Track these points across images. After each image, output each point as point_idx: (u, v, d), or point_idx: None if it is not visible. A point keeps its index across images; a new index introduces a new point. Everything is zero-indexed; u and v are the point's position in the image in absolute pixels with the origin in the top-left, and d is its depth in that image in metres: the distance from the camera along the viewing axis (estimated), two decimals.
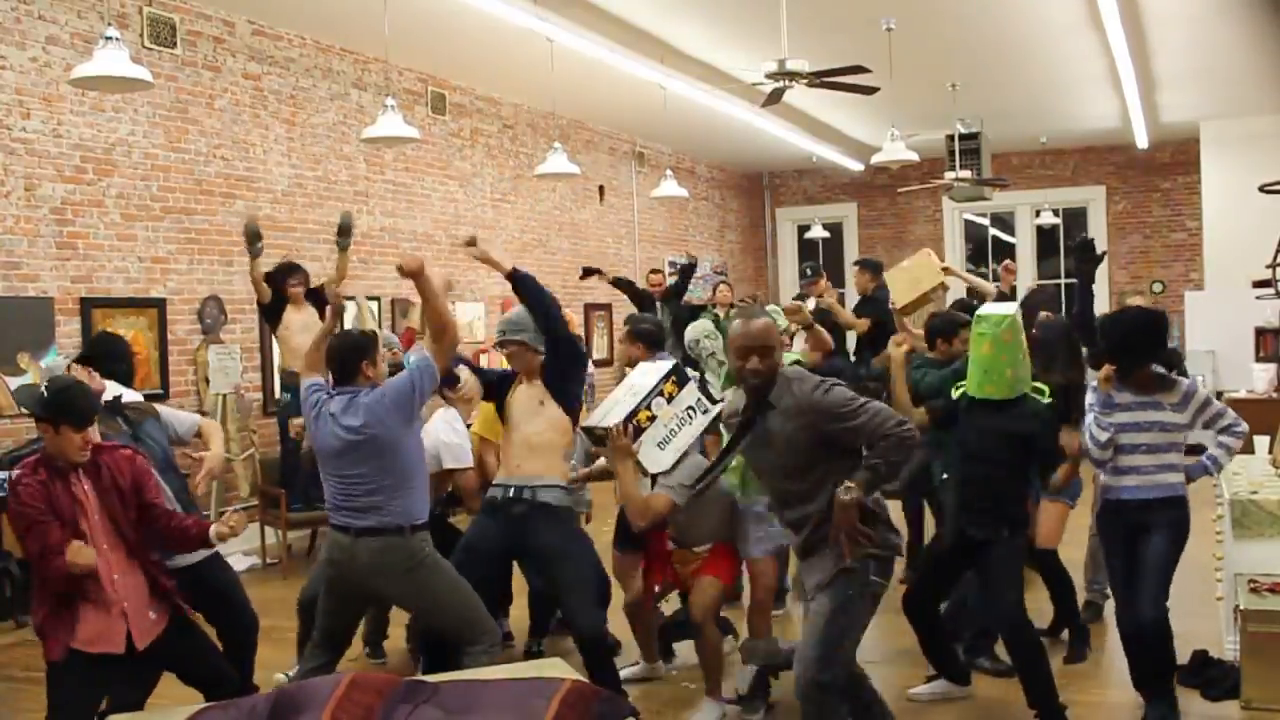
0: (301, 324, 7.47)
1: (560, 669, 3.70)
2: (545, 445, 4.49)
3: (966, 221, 17.11)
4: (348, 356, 4.14)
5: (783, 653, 4.81)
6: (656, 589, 4.98)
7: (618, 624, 4.98)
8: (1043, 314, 6.88)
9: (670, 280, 11.38)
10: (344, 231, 7.82)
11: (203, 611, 4.43)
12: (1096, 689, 4.97)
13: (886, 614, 5.52)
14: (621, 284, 10.45)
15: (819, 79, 7.40)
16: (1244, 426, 4.53)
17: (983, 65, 10.64)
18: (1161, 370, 4.56)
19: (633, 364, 5.28)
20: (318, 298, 7.53)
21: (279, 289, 7.52)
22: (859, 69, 7.32)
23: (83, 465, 3.71)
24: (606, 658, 4.49)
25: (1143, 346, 4.44)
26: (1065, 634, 5.45)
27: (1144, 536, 4.43)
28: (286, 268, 7.63)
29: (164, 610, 3.83)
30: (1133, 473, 4.45)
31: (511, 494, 4.45)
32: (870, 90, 7.98)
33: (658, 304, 10.09)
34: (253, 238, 7.38)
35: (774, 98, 7.61)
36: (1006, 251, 16.86)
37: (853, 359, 8.36)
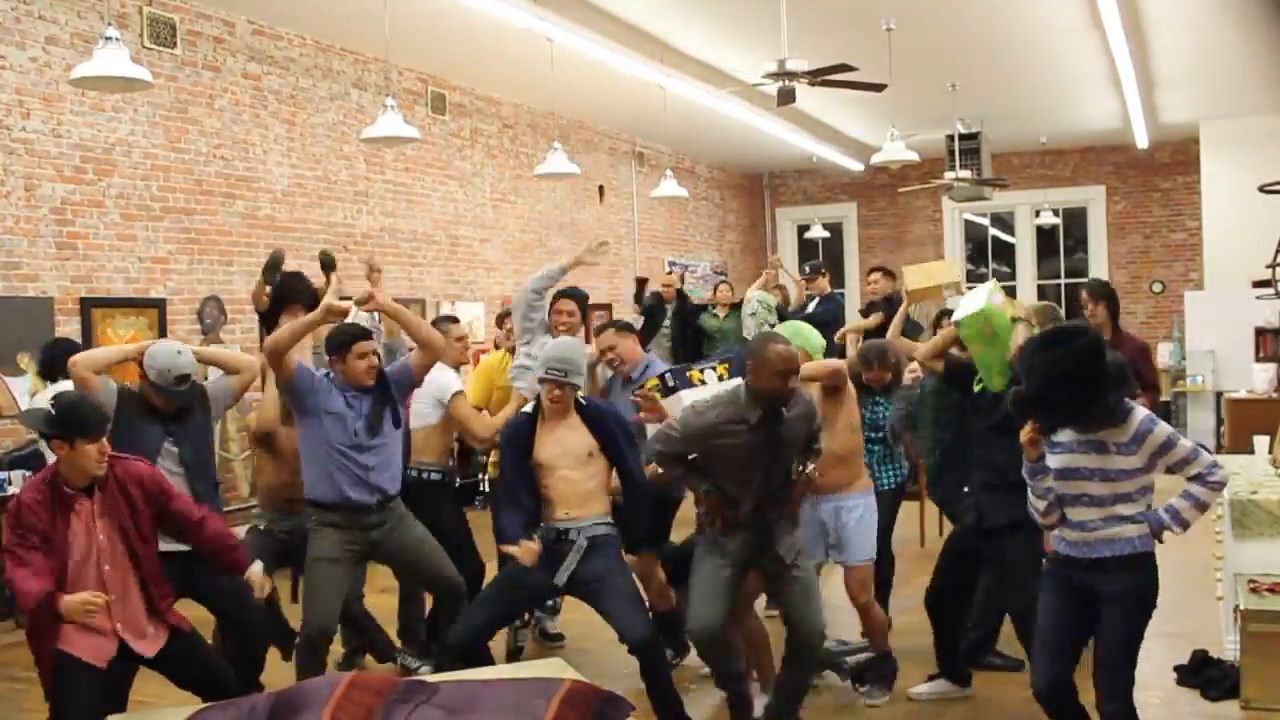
0: None
1: (560, 669, 3.70)
2: (595, 490, 4.56)
3: (966, 221, 17.10)
4: None
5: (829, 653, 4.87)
6: None
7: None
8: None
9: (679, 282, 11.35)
10: (327, 266, 6.81)
11: (211, 608, 4.44)
12: None
13: (888, 615, 5.53)
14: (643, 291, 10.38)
15: (818, 78, 7.40)
16: (1221, 475, 3.57)
17: (983, 65, 10.64)
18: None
19: (615, 359, 5.37)
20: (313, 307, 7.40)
21: (282, 300, 7.25)
22: (847, 67, 7.30)
23: (96, 480, 3.68)
24: (662, 666, 4.49)
25: (1069, 402, 3.46)
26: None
27: (1098, 609, 3.62)
28: (298, 288, 7.25)
29: (163, 627, 3.83)
30: (1077, 527, 3.62)
31: (556, 536, 4.50)
32: (877, 87, 7.98)
33: (668, 311, 10.03)
34: (272, 269, 7.11)
35: (786, 98, 7.58)
36: (1007, 251, 16.89)
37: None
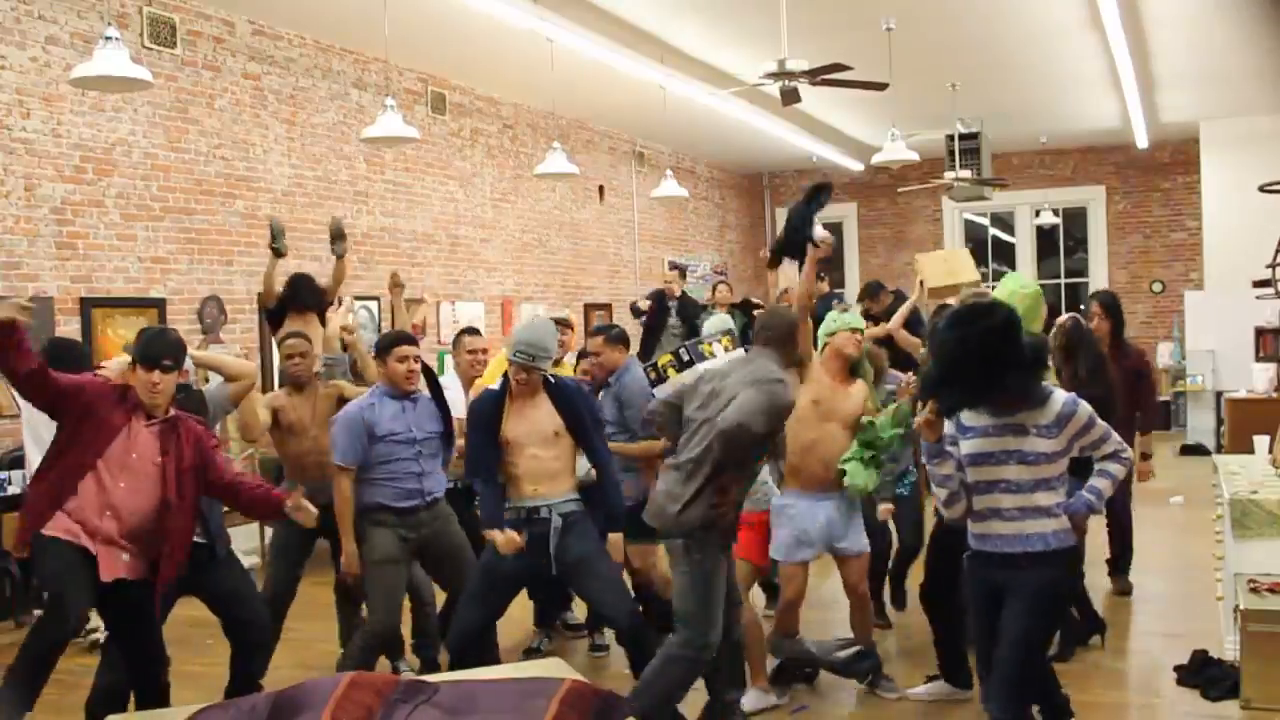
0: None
1: (560, 669, 3.70)
2: (562, 469, 4.53)
3: (966, 221, 17.10)
4: None
5: (809, 653, 4.86)
6: None
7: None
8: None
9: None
10: (337, 237, 7.43)
11: (213, 609, 4.44)
12: (1096, 689, 4.96)
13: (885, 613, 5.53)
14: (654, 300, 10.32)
15: (816, 78, 7.39)
16: (1129, 453, 3.61)
17: (983, 65, 10.64)
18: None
19: (611, 370, 5.46)
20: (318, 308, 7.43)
21: (289, 302, 7.28)
22: (841, 66, 7.30)
23: (164, 418, 3.87)
24: (651, 650, 4.46)
25: (971, 383, 3.34)
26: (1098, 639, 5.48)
27: (1006, 603, 3.45)
28: (304, 289, 7.25)
29: (138, 569, 3.85)
30: (993, 518, 3.45)
31: (526, 514, 4.46)
32: (879, 86, 7.97)
33: (672, 309, 9.97)
34: (277, 235, 7.20)
35: (791, 98, 7.58)
36: (1007, 251, 16.89)
37: None
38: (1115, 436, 3.53)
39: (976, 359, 3.30)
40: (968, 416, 3.47)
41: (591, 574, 4.45)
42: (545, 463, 4.46)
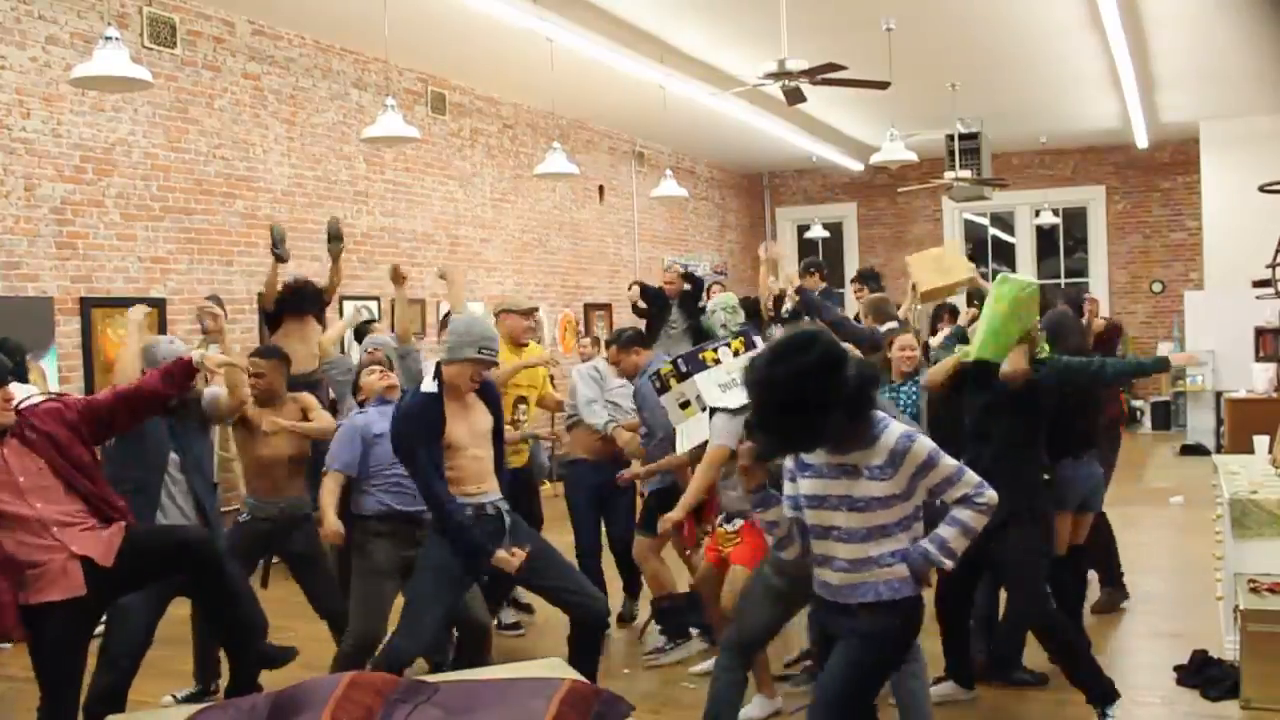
0: (300, 335, 7.28)
1: (560, 669, 3.70)
2: (492, 468, 4.45)
3: (966, 221, 17.11)
4: None
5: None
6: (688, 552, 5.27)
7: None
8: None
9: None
10: (334, 237, 7.47)
11: (206, 610, 4.43)
12: None
13: None
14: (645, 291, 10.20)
15: (814, 78, 7.39)
16: (989, 496, 3.08)
17: (983, 65, 10.64)
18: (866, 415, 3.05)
19: (633, 373, 5.46)
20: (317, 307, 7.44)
21: (287, 306, 7.26)
22: (835, 66, 7.29)
23: (7, 429, 3.62)
24: (600, 642, 4.50)
25: (780, 427, 3.00)
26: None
27: (835, 648, 3.19)
28: (303, 294, 7.29)
29: (118, 530, 3.71)
30: (826, 566, 3.14)
31: (473, 510, 4.31)
32: (881, 85, 7.97)
33: (673, 305, 9.82)
34: (279, 241, 7.24)
35: (795, 97, 7.57)
36: (1007, 251, 16.89)
37: None
38: (971, 477, 3.07)
39: (786, 403, 2.94)
40: (807, 454, 3.14)
41: (555, 563, 4.40)
42: (483, 462, 4.37)
